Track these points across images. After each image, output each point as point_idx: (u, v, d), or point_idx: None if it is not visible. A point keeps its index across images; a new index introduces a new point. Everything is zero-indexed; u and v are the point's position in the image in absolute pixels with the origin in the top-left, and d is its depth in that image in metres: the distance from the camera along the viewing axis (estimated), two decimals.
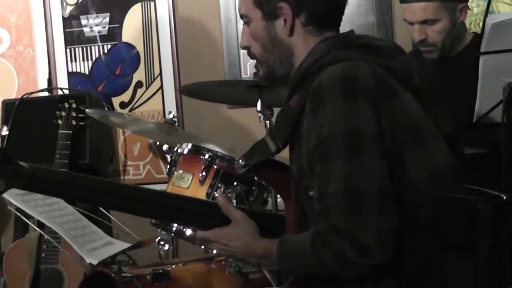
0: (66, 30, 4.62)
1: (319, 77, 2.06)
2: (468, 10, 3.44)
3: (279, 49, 2.22)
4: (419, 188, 2.03)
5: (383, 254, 1.94)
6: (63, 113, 4.09)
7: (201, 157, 2.95)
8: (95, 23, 4.59)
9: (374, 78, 2.05)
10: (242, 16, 2.28)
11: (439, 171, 2.08)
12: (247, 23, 2.27)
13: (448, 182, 2.09)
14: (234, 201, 2.85)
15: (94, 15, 4.59)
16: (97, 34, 4.59)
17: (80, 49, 4.61)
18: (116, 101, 4.59)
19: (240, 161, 2.23)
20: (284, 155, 2.31)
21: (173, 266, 3.29)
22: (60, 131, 4.07)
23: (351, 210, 1.95)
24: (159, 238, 3.05)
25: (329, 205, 1.98)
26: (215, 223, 2.22)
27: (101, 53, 4.59)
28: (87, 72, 4.61)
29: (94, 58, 4.60)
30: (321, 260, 1.99)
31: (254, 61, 2.31)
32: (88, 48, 4.60)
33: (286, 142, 2.19)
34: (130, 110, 4.56)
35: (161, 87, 4.52)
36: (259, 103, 3.38)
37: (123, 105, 4.58)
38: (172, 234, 2.99)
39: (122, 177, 4.59)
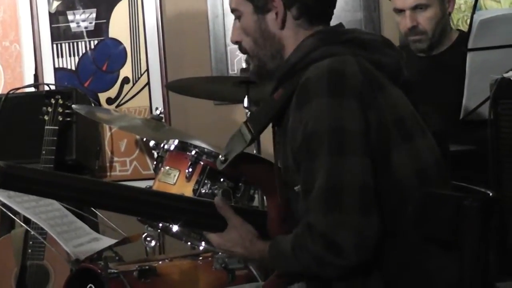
0: (53, 25, 4.60)
1: (306, 73, 2.05)
2: (455, 7, 3.45)
3: (270, 43, 2.20)
4: (404, 184, 2.02)
5: (358, 255, 1.92)
6: (50, 109, 4.07)
7: (187, 153, 2.95)
8: (81, 19, 4.57)
9: (361, 73, 2.03)
10: (233, 10, 2.26)
11: (424, 167, 2.07)
12: (238, 17, 2.25)
13: (434, 177, 2.08)
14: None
15: (81, 10, 4.57)
16: (84, 30, 4.57)
17: (67, 44, 4.59)
18: (102, 97, 4.57)
19: (220, 156, 2.21)
20: (270, 151, 2.30)
21: (160, 262, 3.28)
22: (46, 127, 4.05)
23: (331, 208, 1.92)
24: (145, 234, 3.05)
25: (311, 203, 1.96)
26: (215, 222, 2.20)
27: (88, 48, 4.58)
28: (73, 68, 4.59)
29: (80, 54, 4.58)
30: (301, 263, 1.99)
31: (241, 57, 2.30)
32: (75, 44, 4.59)
33: (260, 132, 2.17)
34: (117, 106, 4.55)
35: (148, 83, 4.51)
36: (246, 100, 3.38)
37: (109, 101, 4.57)
38: (159, 230, 3.00)
39: (108, 173, 4.58)
